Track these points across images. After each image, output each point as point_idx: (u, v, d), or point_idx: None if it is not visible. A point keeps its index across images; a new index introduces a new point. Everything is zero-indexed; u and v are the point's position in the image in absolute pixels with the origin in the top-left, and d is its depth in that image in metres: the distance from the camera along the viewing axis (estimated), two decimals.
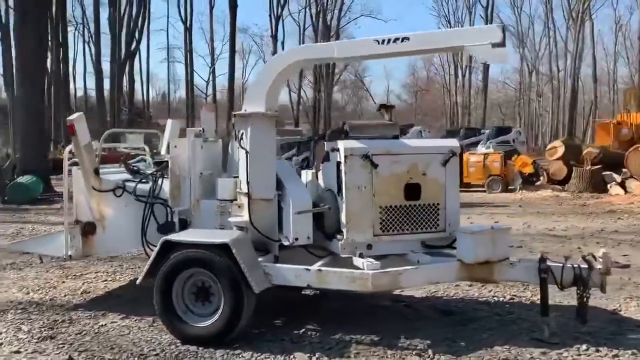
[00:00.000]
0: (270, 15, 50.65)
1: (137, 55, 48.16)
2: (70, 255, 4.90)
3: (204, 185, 4.78)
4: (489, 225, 4.42)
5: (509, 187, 15.83)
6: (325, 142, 4.64)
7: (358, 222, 4.19)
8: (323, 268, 4.08)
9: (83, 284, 5.91)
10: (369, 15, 61.54)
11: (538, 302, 4.84)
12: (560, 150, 16.42)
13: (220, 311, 4.00)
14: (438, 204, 4.36)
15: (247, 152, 4.39)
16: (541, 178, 16.22)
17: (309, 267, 4.09)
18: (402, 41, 3.93)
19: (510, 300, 5.09)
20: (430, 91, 69.49)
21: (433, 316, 4.71)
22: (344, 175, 4.17)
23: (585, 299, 4.05)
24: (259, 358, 3.83)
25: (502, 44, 3.73)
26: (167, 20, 57.46)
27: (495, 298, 5.19)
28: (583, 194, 14.64)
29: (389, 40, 3.99)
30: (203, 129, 4.86)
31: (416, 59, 67.18)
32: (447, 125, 56.73)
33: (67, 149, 4.81)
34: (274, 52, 48.17)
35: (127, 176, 5.08)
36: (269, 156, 4.43)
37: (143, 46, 50.26)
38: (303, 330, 4.32)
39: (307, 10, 52.97)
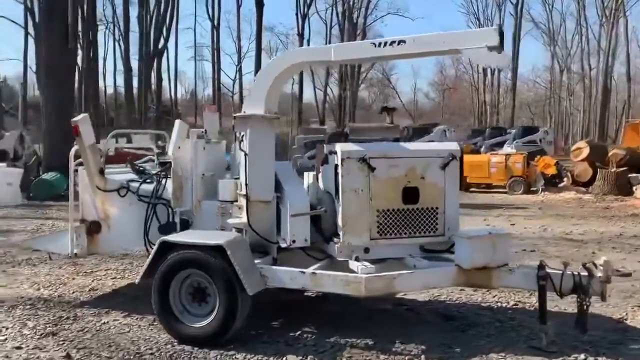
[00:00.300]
0: (297, 14, 50.77)
1: (165, 54, 48.93)
2: (75, 254, 5.00)
3: (206, 186, 4.83)
4: (487, 229, 4.35)
5: (531, 189, 15.55)
6: (324, 145, 4.64)
7: (355, 225, 4.18)
8: (318, 271, 4.08)
9: (92, 281, 6.03)
10: (396, 14, 61.24)
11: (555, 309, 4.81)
12: (585, 151, 16.07)
13: (215, 312, 4.04)
14: (437, 207, 4.32)
15: (245, 154, 4.42)
16: (564, 180, 15.90)
17: (304, 270, 4.10)
18: (398, 44, 3.90)
19: (514, 307, 5.01)
20: (459, 90, 68.71)
21: (433, 321, 4.67)
22: (341, 178, 4.17)
23: (585, 307, 3.96)
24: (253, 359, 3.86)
25: (498, 47, 3.67)
26: (194, 19, 58.07)
27: (499, 304, 5.11)
28: (607, 196, 14.29)
29: (385, 43, 3.96)
30: (205, 130, 4.91)
31: (444, 57, 66.53)
32: (475, 124, 56.01)
33: (73, 149, 4.90)
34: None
35: (133, 176, 5.15)
36: (267, 158, 4.45)
37: (171, 45, 50.94)
38: (299, 332, 4.32)
39: (334, 8, 52.90)
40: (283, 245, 4.37)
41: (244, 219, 4.41)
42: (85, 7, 41.33)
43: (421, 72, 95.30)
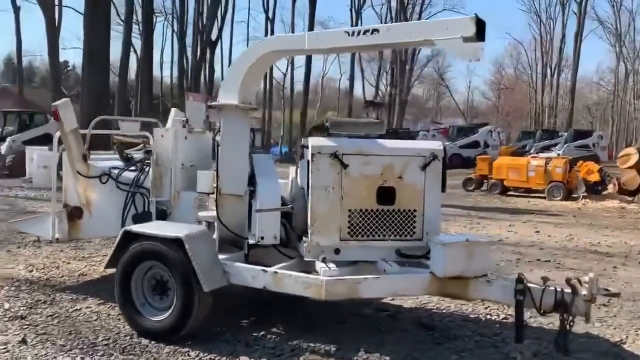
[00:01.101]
0: (351, 9, 50.33)
1: (220, 46, 49.62)
2: (57, 238, 5.00)
3: (186, 177, 4.71)
4: (465, 236, 4.03)
5: (573, 195, 14.76)
6: (302, 138, 4.43)
7: (323, 224, 3.95)
8: (280, 271, 3.88)
9: (85, 266, 6.06)
10: (452, 10, 59.56)
11: (535, 324, 4.45)
12: (634, 158, 15.04)
13: (172, 307, 3.91)
14: (415, 210, 4.03)
15: (217, 145, 4.27)
16: (609, 187, 14.98)
17: (266, 269, 3.92)
18: (372, 33, 3.64)
19: (503, 320, 4.65)
20: (516, 89, 66.56)
21: (411, 330, 4.38)
22: (310, 174, 3.95)
23: (568, 326, 3.60)
24: (204, 358, 3.71)
25: (474, 38, 3.35)
26: (248, 12, 58.63)
27: (488, 316, 4.76)
28: None
29: (359, 32, 3.71)
30: (187, 119, 4.78)
31: (503, 56, 64.70)
32: (531, 126, 54.11)
33: (57, 134, 4.89)
34: None
35: (118, 163, 5.10)
36: (241, 150, 4.28)
37: (226, 37, 51.60)
38: (263, 333, 4.15)
39: (388, 4, 52.15)
40: (251, 241, 4.20)
41: (214, 212, 4.27)
42: None
43: (477, 70, 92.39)
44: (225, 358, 3.71)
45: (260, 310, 4.63)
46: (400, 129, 33.92)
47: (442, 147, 4.11)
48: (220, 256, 4.22)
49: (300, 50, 4.02)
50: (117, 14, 41.00)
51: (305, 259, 4.04)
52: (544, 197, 14.89)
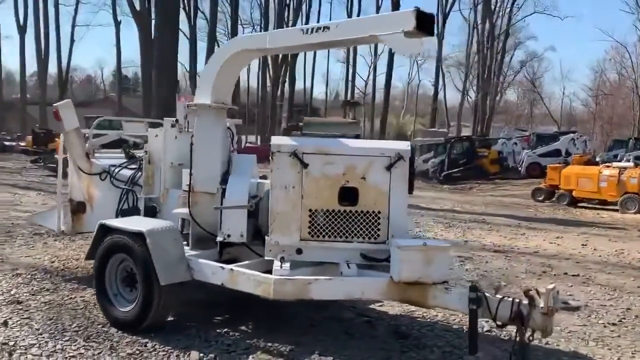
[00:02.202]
0: (437, 13, 49.44)
1: (304, 54, 50.51)
2: (62, 231, 5.33)
3: (176, 175, 4.86)
4: (423, 240, 3.83)
5: None
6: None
7: (283, 223, 3.93)
8: (235, 268, 3.91)
9: None
10: (543, 12, 56.95)
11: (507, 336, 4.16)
12: None
13: (137, 299, 4.05)
14: (379, 212, 3.90)
15: (191, 144, 4.38)
16: None
17: (224, 266, 3.96)
18: (323, 30, 3.59)
19: (486, 333, 4.37)
20: (619, 96, 62.06)
21: (382, 337, 4.23)
22: (271, 172, 3.94)
23: (526, 340, 3.34)
24: (160, 351, 3.80)
25: (416, 33, 3.21)
26: (329, 19, 59.08)
27: None
28: None
29: (312, 30, 3.67)
30: (177, 119, 4.94)
31: (605, 59, 60.78)
32: (634, 134, 50.24)
33: (62, 135, 5.22)
34: (439, 49, 47.17)
35: (119, 161, 5.35)
36: (214, 149, 4.36)
37: None
38: (226, 330, 4.19)
39: (475, 7, 50.69)
40: (219, 239, 4.25)
41: (187, 210, 4.38)
42: (229, 9, 44.41)
43: (573, 75, 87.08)
44: (177, 352, 3.78)
45: (240, 308, 4.67)
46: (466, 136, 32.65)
47: (408, 148, 3.95)
48: (193, 252, 4.33)
49: (263, 49, 4.02)
50: (190, 21, 42.65)
51: (266, 258, 4.03)
52: (617, 210, 13.80)
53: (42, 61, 43.74)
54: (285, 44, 3.86)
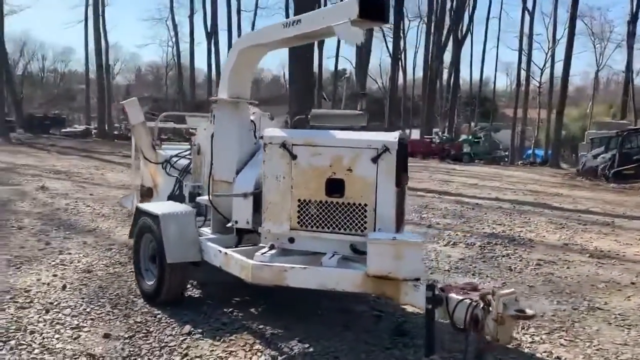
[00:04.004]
0: (523, 11, 44.60)
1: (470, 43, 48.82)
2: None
3: None
4: (393, 234, 3.65)
5: None
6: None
7: (275, 213, 4.09)
8: (229, 252, 4.16)
9: None
10: None
11: (531, 345, 3.86)
12: None
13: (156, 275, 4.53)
14: (365, 204, 3.87)
15: (212, 136, 4.73)
16: None
17: (221, 249, 4.24)
18: (295, 24, 3.67)
19: None
20: None
21: (378, 332, 4.16)
22: (263, 163, 4.13)
23: (482, 344, 3.11)
24: (163, 322, 4.20)
25: (361, 21, 3.14)
26: (500, 5, 56.21)
27: None
28: None
29: (289, 24, 3.76)
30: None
31: None
32: None
33: (131, 128, 5.94)
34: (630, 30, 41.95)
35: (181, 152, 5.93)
36: (231, 140, 4.65)
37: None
38: (232, 309, 4.48)
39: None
40: (228, 225, 4.54)
41: (208, 197, 4.75)
42: (392, 2, 44.55)
43: None
44: (176, 324, 4.16)
45: (261, 293, 4.90)
46: None
47: (396, 140, 3.83)
48: (212, 236, 4.70)
49: (262, 44, 4.19)
50: None
51: (261, 245, 4.22)
52: None
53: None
54: (273, 39, 3.99)
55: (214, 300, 4.71)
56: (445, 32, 44.08)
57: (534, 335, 4.17)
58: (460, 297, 3.26)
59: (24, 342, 3.73)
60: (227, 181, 4.65)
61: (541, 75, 56.75)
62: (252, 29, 51.50)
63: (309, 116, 4.43)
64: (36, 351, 3.62)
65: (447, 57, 47.81)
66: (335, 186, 3.93)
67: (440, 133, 39.56)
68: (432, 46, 44.59)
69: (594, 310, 4.83)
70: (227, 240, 4.63)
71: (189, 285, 5.09)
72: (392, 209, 3.88)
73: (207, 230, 4.85)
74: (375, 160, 3.83)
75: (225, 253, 4.17)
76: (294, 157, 4.00)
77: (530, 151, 47.06)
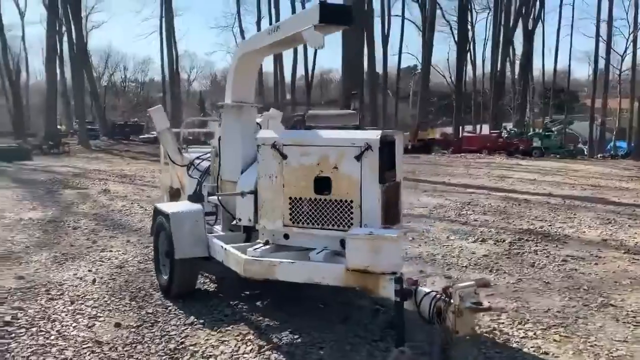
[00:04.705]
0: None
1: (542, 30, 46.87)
2: None
3: None
4: (370, 229, 3.72)
5: None
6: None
7: (269, 210, 4.30)
8: (228, 247, 4.41)
9: None
10: None
11: (521, 340, 3.87)
12: None
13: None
14: (351, 201, 4.00)
15: (219, 139, 5.01)
16: None
17: (223, 245, 4.49)
18: (275, 31, 3.86)
19: (504, 342, 4.04)
20: None
21: (371, 325, 4.26)
22: (258, 163, 4.35)
23: (447, 340, 3.16)
24: (172, 313, 4.53)
25: (323, 26, 3.29)
26: None
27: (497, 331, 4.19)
28: None
29: (272, 31, 3.96)
30: None
31: None
32: None
33: (157, 133, 6.33)
34: None
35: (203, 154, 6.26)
36: (236, 142, 4.90)
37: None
38: (236, 302, 4.74)
39: None
40: (233, 222, 4.80)
41: (218, 197, 5.03)
42: None
43: None
44: (182, 315, 4.47)
45: (274, 289, 5.11)
46: None
47: (377, 138, 3.93)
48: (221, 233, 4.98)
49: (254, 50, 4.41)
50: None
51: (258, 241, 4.44)
52: None
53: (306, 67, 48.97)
54: (262, 45, 4.20)
55: (225, 294, 4.99)
56: (512, 21, 42.60)
57: (528, 330, 4.13)
58: (427, 290, 3.34)
59: (44, 329, 4.16)
60: (233, 181, 4.91)
61: (622, 63, 53.59)
62: None
63: (306, 117, 4.60)
64: (52, 337, 4.02)
65: (519, 48, 46.33)
66: (323, 184, 4.08)
67: (508, 127, 38.31)
68: (500, 37, 43.28)
69: (605, 307, 4.68)
70: (236, 238, 4.89)
71: (206, 279, 5.43)
72: (377, 205, 3.97)
73: (218, 228, 5.14)
74: (358, 158, 3.95)
75: (225, 249, 4.42)
76: (284, 157, 4.19)
77: (612, 144, 44.56)
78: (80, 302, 4.81)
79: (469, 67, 57.67)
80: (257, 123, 5.10)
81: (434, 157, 28.25)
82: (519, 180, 15.53)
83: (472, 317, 3.11)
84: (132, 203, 10.69)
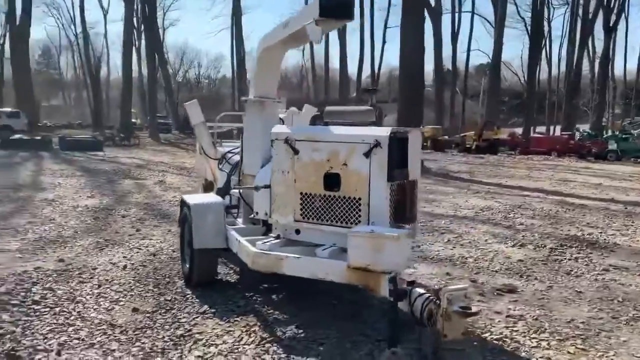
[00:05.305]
0: None
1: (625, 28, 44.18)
2: None
3: None
4: (371, 227, 3.63)
5: None
6: None
7: (281, 205, 4.34)
8: (242, 240, 4.48)
9: None
10: None
11: (531, 349, 3.73)
12: None
13: None
14: (360, 198, 3.97)
15: (241, 133, 5.09)
16: None
17: (238, 237, 4.57)
18: (286, 26, 3.87)
19: (511, 350, 3.89)
20: None
21: (380, 324, 4.21)
22: (272, 158, 4.39)
23: (438, 342, 3.09)
24: (188, 300, 4.66)
25: (324, 20, 3.27)
26: None
27: (491, 334, 4.04)
28: None
29: (285, 25, 3.97)
30: None
31: None
32: None
33: (193, 127, 6.50)
34: None
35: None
36: (256, 137, 4.97)
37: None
38: (252, 294, 4.81)
39: None
40: (250, 216, 4.87)
41: (240, 190, 5.12)
42: None
43: None
44: (197, 304, 4.58)
45: (291, 283, 5.15)
46: None
47: (387, 134, 3.87)
48: (241, 226, 5.07)
49: (272, 45, 4.44)
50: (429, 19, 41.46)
51: (270, 235, 4.49)
52: None
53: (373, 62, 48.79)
54: (277, 39, 4.23)
55: (243, 285, 5.07)
56: (591, 15, 40.49)
57: (542, 340, 3.94)
58: (422, 292, 3.26)
59: (66, 310, 4.39)
60: (253, 175, 4.98)
61: None
62: (385, 28, 51.82)
63: (324, 113, 4.60)
64: (72, 318, 4.24)
65: (599, 46, 43.98)
66: (332, 180, 4.07)
67: (582, 129, 36.47)
68: (577, 35, 41.29)
69: (636, 320, 4.39)
70: (255, 231, 4.96)
71: (229, 271, 5.55)
72: (385, 203, 3.92)
73: (240, 221, 5.23)
74: (367, 154, 3.91)
75: (239, 241, 4.50)
76: (296, 152, 4.21)
77: None
78: (106, 286, 5.04)
79: (544, 65, 55.52)
80: (280, 118, 5.14)
81: (499, 158, 27.35)
82: (582, 184, 14.77)
83: (461, 322, 3.01)
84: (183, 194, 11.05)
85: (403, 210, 4.16)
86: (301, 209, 4.22)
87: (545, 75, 56.05)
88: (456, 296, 2.98)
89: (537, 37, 41.68)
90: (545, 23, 48.82)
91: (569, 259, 6.29)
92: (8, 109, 33.46)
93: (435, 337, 3.09)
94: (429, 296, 3.17)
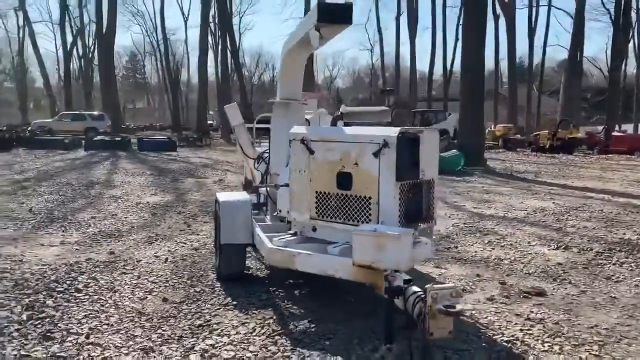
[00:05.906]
0: None
1: None
2: None
3: None
4: (375, 226, 3.65)
5: None
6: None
7: (298, 203, 4.49)
8: (261, 235, 4.67)
9: None
10: None
11: (541, 353, 3.68)
12: None
13: None
14: (370, 197, 4.06)
15: (269, 134, 5.28)
16: None
17: (260, 234, 4.76)
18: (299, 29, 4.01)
19: (510, 340, 3.84)
20: None
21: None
22: (289, 158, 4.54)
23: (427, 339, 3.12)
24: (215, 292, 4.91)
25: (323, 25, 3.37)
26: None
27: (499, 334, 3.99)
28: None
29: (298, 29, 4.11)
30: None
31: None
32: None
33: (233, 128, 6.77)
34: None
35: None
36: (281, 137, 5.13)
37: None
38: (274, 289, 4.98)
39: None
40: (274, 213, 5.05)
41: (267, 188, 5.32)
42: None
43: None
44: (223, 296, 4.82)
45: (317, 278, 5.29)
46: None
47: (395, 135, 3.92)
48: (268, 223, 5.28)
49: (295, 47, 4.58)
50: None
51: (290, 232, 4.65)
52: None
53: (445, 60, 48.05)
54: (294, 43, 4.37)
55: (270, 280, 5.27)
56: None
57: (555, 345, 3.84)
58: (416, 290, 3.29)
59: (103, 298, 4.76)
60: (278, 174, 5.17)
61: None
62: (457, 25, 50.65)
63: (342, 114, 4.70)
64: (107, 305, 4.60)
65: None
66: (345, 179, 4.17)
67: None
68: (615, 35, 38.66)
69: None
70: (280, 228, 5.14)
71: (261, 266, 5.76)
72: (394, 202, 3.97)
73: (268, 218, 5.43)
74: (376, 154, 3.98)
75: (259, 236, 4.70)
76: (311, 152, 4.34)
77: None
78: (145, 277, 5.39)
79: (632, 60, 52.27)
80: (307, 119, 5.29)
81: (573, 157, 26.09)
82: None
83: (448, 321, 3.02)
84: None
85: (417, 210, 4.20)
86: (316, 207, 4.35)
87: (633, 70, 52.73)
88: (442, 295, 3.00)
89: (619, 27, 39.32)
90: (634, 14, 45.92)
91: (614, 264, 6.01)
92: (96, 113, 35.86)
93: (424, 335, 3.12)
94: (420, 294, 3.20)
